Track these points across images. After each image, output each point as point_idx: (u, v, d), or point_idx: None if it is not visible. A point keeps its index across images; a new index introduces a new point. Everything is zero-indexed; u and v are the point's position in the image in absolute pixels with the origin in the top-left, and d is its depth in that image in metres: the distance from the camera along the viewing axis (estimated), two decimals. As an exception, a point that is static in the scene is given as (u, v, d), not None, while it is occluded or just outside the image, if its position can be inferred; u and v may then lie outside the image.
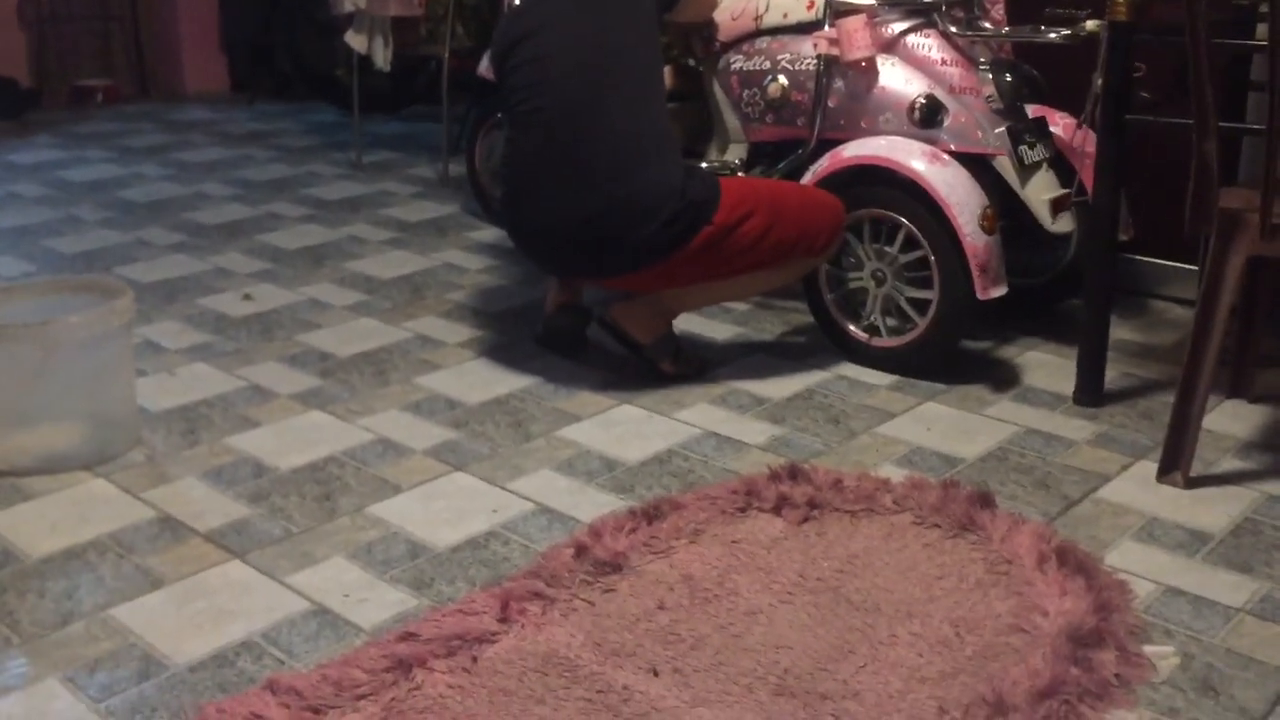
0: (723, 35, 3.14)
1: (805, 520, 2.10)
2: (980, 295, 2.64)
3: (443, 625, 1.80)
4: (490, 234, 3.95)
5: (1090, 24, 2.64)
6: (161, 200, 4.37)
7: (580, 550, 1.99)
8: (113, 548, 2.09)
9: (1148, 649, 1.76)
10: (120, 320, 2.43)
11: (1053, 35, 2.74)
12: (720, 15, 3.10)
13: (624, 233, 2.59)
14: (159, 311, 3.24)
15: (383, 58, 4.57)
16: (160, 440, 2.50)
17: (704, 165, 3.15)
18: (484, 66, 3.86)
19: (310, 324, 3.18)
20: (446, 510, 2.23)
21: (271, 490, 2.30)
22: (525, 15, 2.81)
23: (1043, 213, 2.77)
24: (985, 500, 2.11)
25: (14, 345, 2.33)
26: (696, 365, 2.84)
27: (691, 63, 3.25)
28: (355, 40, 4.55)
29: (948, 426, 2.57)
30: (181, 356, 2.95)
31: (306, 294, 3.41)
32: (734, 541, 2.05)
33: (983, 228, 2.62)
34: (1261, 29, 2.67)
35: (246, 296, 3.38)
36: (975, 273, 2.63)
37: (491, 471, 2.38)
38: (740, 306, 3.24)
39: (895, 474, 2.31)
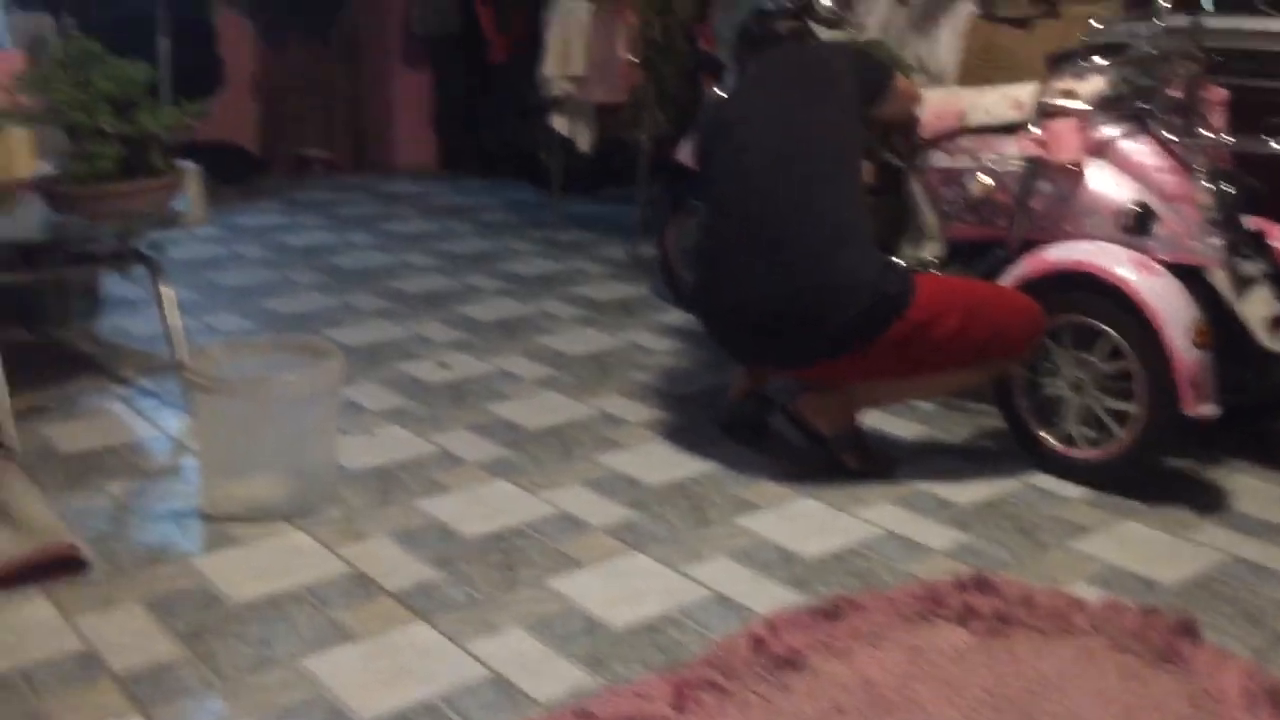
0: (925, 132, 3.13)
1: (992, 634, 2.03)
2: (1188, 411, 2.52)
3: (617, 706, 1.81)
4: (677, 317, 4.01)
5: (1317, 135, 2.53)
6: (369, 268, 4.61)
7: (757, 644, 1.97)
8: (308, 599, 2.18)
9: (1371, 811, 1.62)
10: (330, 382, 2.56)
11: (1275, 145, 2.64)
12: (923, 112, 3.10)
13: (816, 321, 2.59)
14: (361, 374, 3.40)
15: (585, 141, 4.73)
16: (356, 498, 2.61)
17: (899, 261, 3.13)
18: (682, 152, 3.95)
19: (500, 395, 3.27)
20: (624, 590, 2.24)
21: (457, 556, 2.36)
22: (730, 104, 2.88)
23: (1259, 329, 2.63)
24: (1189, 630, 2.00)
25: (235, 399, 2.48)
26: (882, 463, 2.79)
27: (892, 158, 3.25)
28: (561, 123, 4.73)
29: (1147, 548, 2.45)
30: (380, 418, 3.08)
31: (498, 365, 3.52)
32: (916, 649, 1.99)
33: (1195, 342, 2.51)
34: None
35: (442, 364, 3.51)
36: (1184, 388, 2.51)
37: (669, 554, 2.38)
38: (927, 406, 3.18)
39: (1089, 593, 2.21)
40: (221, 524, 2.46)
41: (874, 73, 2.96)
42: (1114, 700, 1.84)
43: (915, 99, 3.09)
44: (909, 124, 3.13)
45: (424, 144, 6.62)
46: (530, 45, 5.24)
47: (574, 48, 4.54)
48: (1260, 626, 2.15)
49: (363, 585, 2.24)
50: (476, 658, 2.01)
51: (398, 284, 4.38)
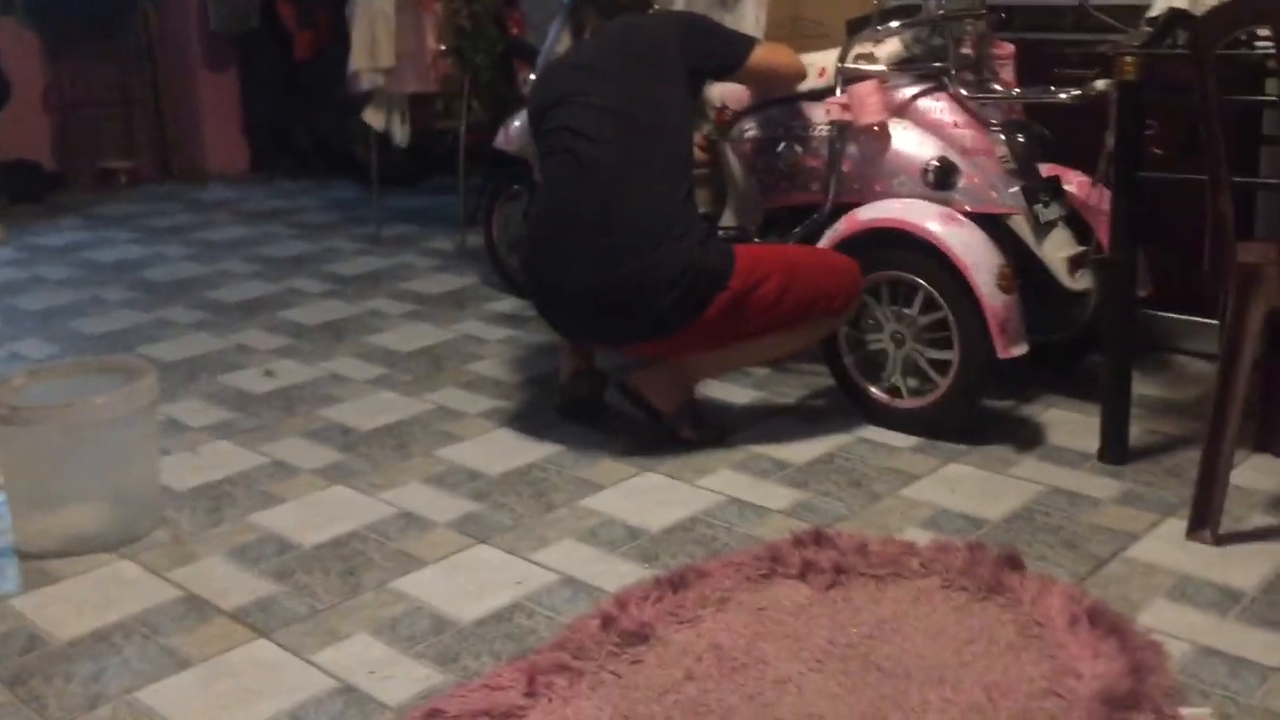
0: (735, 104, 3.18)
1: (831, 586, 2.08)
2: (1000, 354, 2.64)
3: (469, 701, 1.79)
4: (509, 304, 3.98)
5: (1099, 84, 2.66)
6: (184, 279, 4.43)
7: (606, 621, 1.97)
8: (138, 629, 2.09)
9: (1184, 711, 1.73)
10: (144, 401, 2.45)
11: (1063, 96, 2.77)
12: (732, 85, 3.14)
13: (641, 303, 2.60)
14: (182, 390, 3.27)
15: (400, 134, 4.64)
16: (184, 519, 2.51)
17: (720, 231, 3.18)
18: (500, 139, 3.92)
19: (331, 399, 3.19)
20: (470, 584, 2.22)
21: (296, 567, 2.29)
22: (555, 79, 2.86)
23: (1060, 271, 2.77)
24: (1013, 562, 2.09)
25: (39, 428, 2.35)
26: (717, 431, 2.83)
27: (712, 132, 3.28)
28: (373, 117, 4.63)
29: (972, 487, 2.55)
30: (204, 434, 2.97)
31: (327, 369, 3.43)
32: (760, 609, 2.03)
33: (1001, 287, 2.63)
34: (1271, 84, 2.69)
35: (268, 373, 3.40)
36: (995, 332, 2.62)
37: (515, 543, 2.37)
38: (760, 371, 3.24)
39: (920, 537, 2.29)
40: (39, 561, 2.33)
41: (722, 45, 2.89)
42: (947, 635, 1.91)
43: (779, 66, 2.98)
44: (783, 89, 3.08)
45: (235, 147, 6.39)
46: (336, 39, 5.11)
47: (380, 39, 4.44)
48: (1078, 551, 2.27)
49: (197, 608, 2.15)
50: (322, 669, 1.96)
51: (215, 294, 4.22)
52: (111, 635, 2.07)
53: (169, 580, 2.26)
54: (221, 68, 6.27)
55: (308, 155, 6.14)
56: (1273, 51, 2.07)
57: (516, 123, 3.83)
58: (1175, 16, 2.59)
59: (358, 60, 4.48)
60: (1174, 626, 1.99)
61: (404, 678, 1.93)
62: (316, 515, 2.51)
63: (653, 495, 2.56)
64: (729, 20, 3.74)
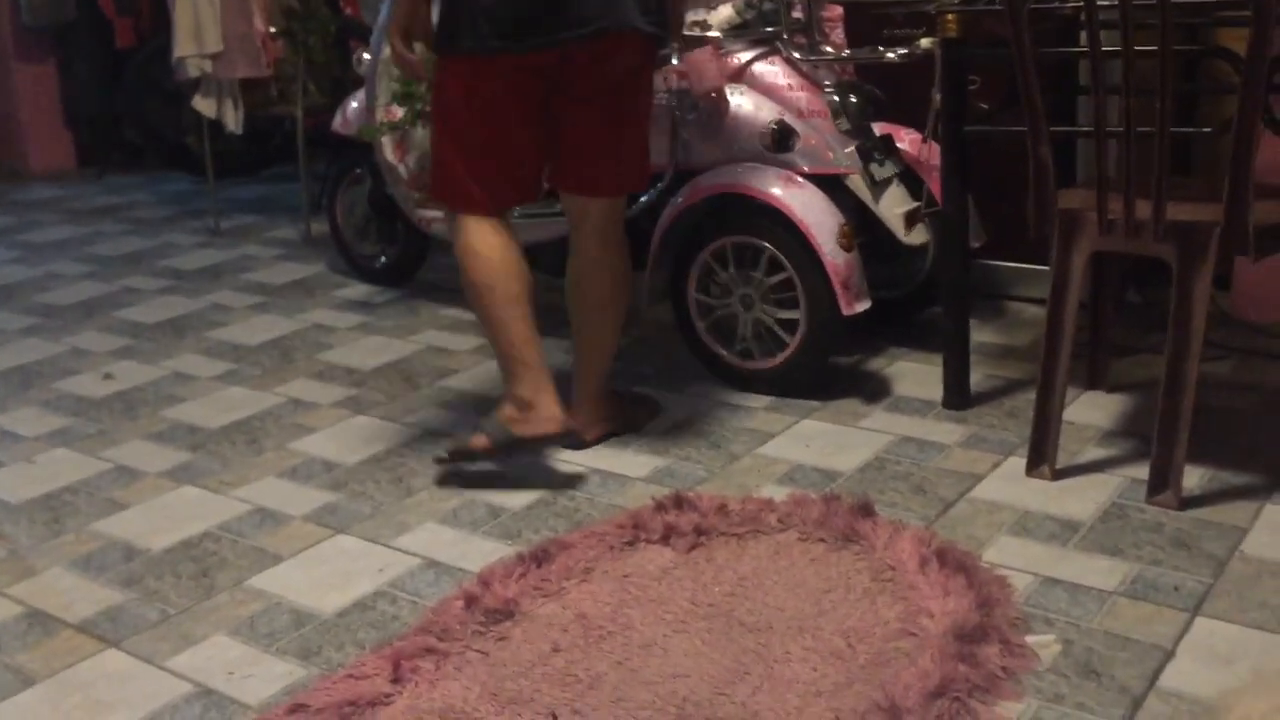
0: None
1: (694, 548, 2.12)
2: (845, 311, 2.70)
3: (333, 693, 1.76)
4: (359, 290, 3.90)
5: (925, 42, 2.74)
6: (9, 284, 4.21)
7: (470, 601, 1.96)
8: (-24, 650, 1.99)
9: (1030, 639, 1.81)
10: (-31, 411, 2.33)
11: (890, 55, 2.85)
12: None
13: None
14: (14, 399, 3.11)
15: (234, 121, 4.49)
16: (22, 533, 2.39)
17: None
18: (338, 122, 3.83)
19: (176, 398, 3.08)
20: (330, 575, 2.18)
21: (145, 573, 2.21)
22: None
23: (896, 226, 2.85)
24: (865, 510, 2.16)
25: None
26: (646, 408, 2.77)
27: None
28: (204, 105, 4.46)
29: (825, 442, 2.61)
30: (41, 443, 2.83)
31: (170, 368, 3.31)
32: (625, 576, 2.04)
33: (841, 245, 2.69)
34: (1084, 36, 2.80)
35: (107, 376, 3.26)
36: (838, 290, 2.69)
37: (375, 530, 2.33)
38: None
39: (778, 493, 2.34)
40: None
41: None
42: (806, 586, 1.96)
43: None
44: None
45: (58, 143, 6.09)
46: (160, 25, 4.90)
47: (205, 24, 4.28)
48: (926, 495, 2.35)
49: (40, 623, 2.06)
50: (178, 674, 1.90)
51: (44, 297, 4.03)
52: (-53, 660, 1.97)
53: (8, 596, 2.15)
54: (38, 59, 5.95)
55: (138, 148, 5.88)
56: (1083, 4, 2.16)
57: (354, 104, 3.75)
58: (991, -26, 2.68)
59: (182, 46, 4.31)
60: (1018, 560, 2.08)
61: (265, 675, 1.88)
62: (165, 518, 2.42)
63: (512, 473, 2.54)
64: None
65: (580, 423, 2.57)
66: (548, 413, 2.42)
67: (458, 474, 2.52)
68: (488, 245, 2.41)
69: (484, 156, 2.41)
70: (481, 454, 2.46)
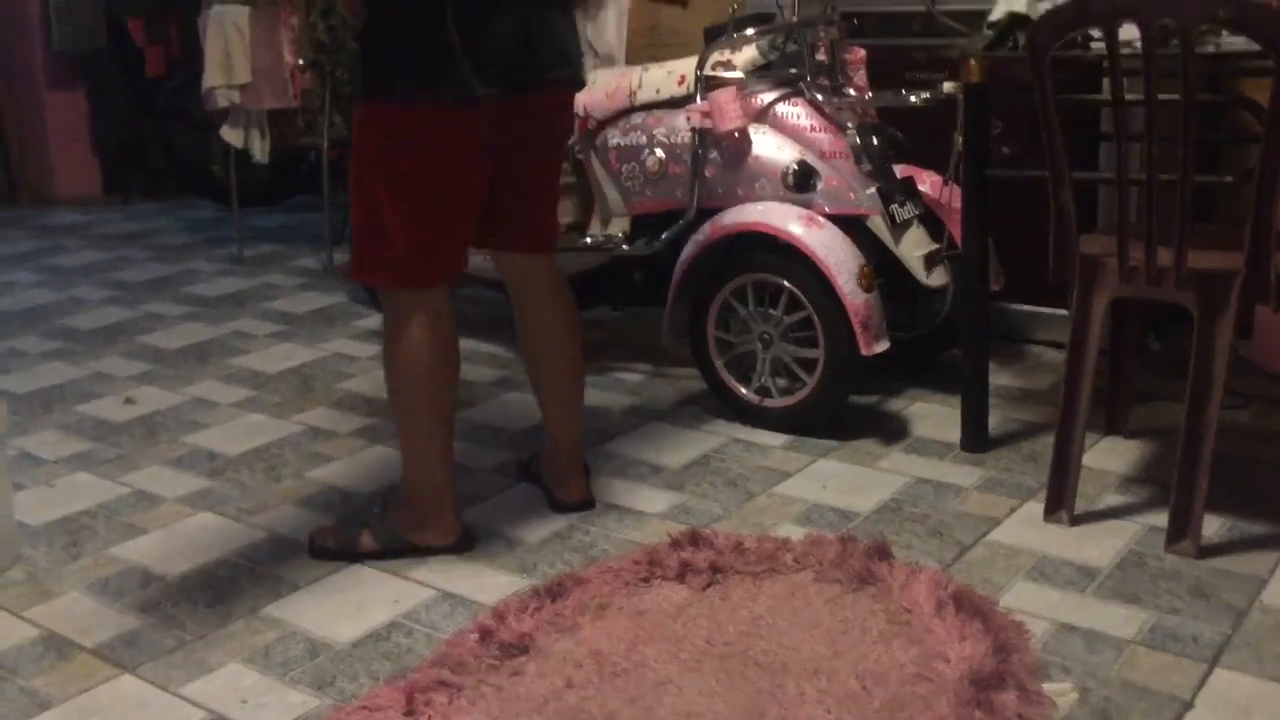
0: (598, 113, 3.20)
1: (709, 586, 2.11)
2: (864, 351, 2.71)
3: (347, 724, 1.76)
4: (378, 321, 3.90)
5: (947, 86, 2.76)
6: (34, 307, 4.25)
7: (485, 634, 1.96)
8: (-7, 672, 2.00)
9: (1047, 687, 1.80)
10: (-8, 434, 2.35)
11: (913, 99, 2.87)
12: (595, 93, 3.16)
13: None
14: (35, 422, 3.13)
15: (260, 150, 4.54)
16: (41, 555, 2.41)
17: (588, 240, 3.20)
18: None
19: (196, 424, 3.10)
20: (346, 605, 2.18)
21: (161, 599, 2.22)
22: None
23: (917, 268, 2.86)
24: (882, 552, 2.15)
25: (-122, 467, 2.23)
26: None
27: (574, 149, 3.28)
28: (231, 135, 4.51)
29: (842, 482, 2.61)
30: (61, 467, 2.85)
31: (191, 394, 3.33)
32: (640, 613, 2.04)
33: (861, 286, 2.70)
34: (1106, 83, 2.82)
35: (128, 400, 3.29)
36: (857, 330, 2.69)
37: (392, 562, 2.33)
38: (634, 377, 3.26)
39: (794, 533, 2.34)
40: (-118, 608, 2.21)
41: None
42: (821, 627, 1.95)
43: None
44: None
45: (86, 169, 6.15)
46: (189, 54, 4.97)
47: (235, 55, 4.34)
48: (943, 538, 2.34)
49: (56, 647, 2.07)
50: (192, 701, 1.90)
51: (69, 321, 4.06)
52: (-36, 681, 1.97)
53: (26, 619, 2.16)
54: (68, 87, 6.03)
55: (164, 175, 5.95)
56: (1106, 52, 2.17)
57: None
58: (1014, 20, 2.70)
59: (212, 77, 4.37)
60: (1035, 605, 2.07)
61: (278, 705, 1.88)
62: (182, 544, 2.43)
63: (528, 505, 2.55)
64: (590, 30, 3.77)
65: (572, 488, 2.50)
66: (446, 524, 2.32)
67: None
68: (424, 336, 2.18)
69: (439, 219, 2.17)
70: (365, 554, 2.31)
